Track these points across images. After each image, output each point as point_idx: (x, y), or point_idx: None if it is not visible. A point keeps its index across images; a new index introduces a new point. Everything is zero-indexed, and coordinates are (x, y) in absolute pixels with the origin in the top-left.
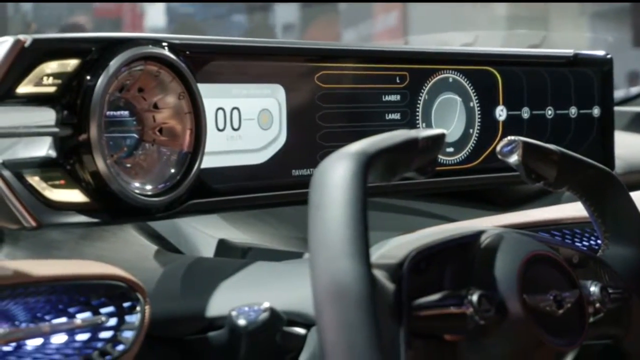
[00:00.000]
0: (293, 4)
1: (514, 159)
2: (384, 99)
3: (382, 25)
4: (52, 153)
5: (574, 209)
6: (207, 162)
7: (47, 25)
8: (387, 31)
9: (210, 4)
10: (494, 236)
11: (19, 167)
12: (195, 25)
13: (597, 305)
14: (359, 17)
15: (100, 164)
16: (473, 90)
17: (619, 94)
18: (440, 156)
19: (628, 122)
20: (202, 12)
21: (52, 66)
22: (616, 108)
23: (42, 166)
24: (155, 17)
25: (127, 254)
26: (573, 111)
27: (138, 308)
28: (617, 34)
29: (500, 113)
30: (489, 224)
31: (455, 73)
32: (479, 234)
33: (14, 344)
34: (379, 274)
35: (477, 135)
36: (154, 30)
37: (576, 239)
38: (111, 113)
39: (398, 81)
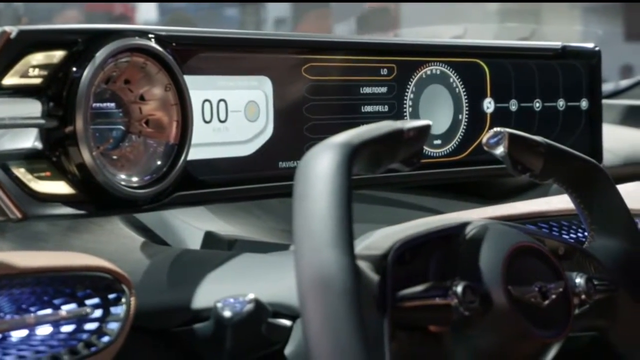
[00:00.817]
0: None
1: (499, 150)
2: (371, 91)
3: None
4: (38, 145)
5: (560, 201)
6: (194, 154)
7: (38, 20)
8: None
9: None
10: (479, 228)
11: (4, 159)
12: (187, 19)
13: (583, 296)
14: (351, 11)
15: (86, 156)
16: (461, 83)
17: (608, 87)
18: (427, 148)
19: (617, 115)
20: (194, 6)
21: (38, 57)
22: (606, 101)
23: (28, 158)
24: (146, 11)
25: (113, 245)
26: (561, 104)
27: (123, 300)
28: (609, 27)
29: (488, 105)
30: (475, 216)
31: (443, 65)
32: (464, 225)
33: None
34: (363, 265)
35: (464, 127)
36: (146, 24)
37: (563, 231)
38: (97, 105)
39: (385, 73)
